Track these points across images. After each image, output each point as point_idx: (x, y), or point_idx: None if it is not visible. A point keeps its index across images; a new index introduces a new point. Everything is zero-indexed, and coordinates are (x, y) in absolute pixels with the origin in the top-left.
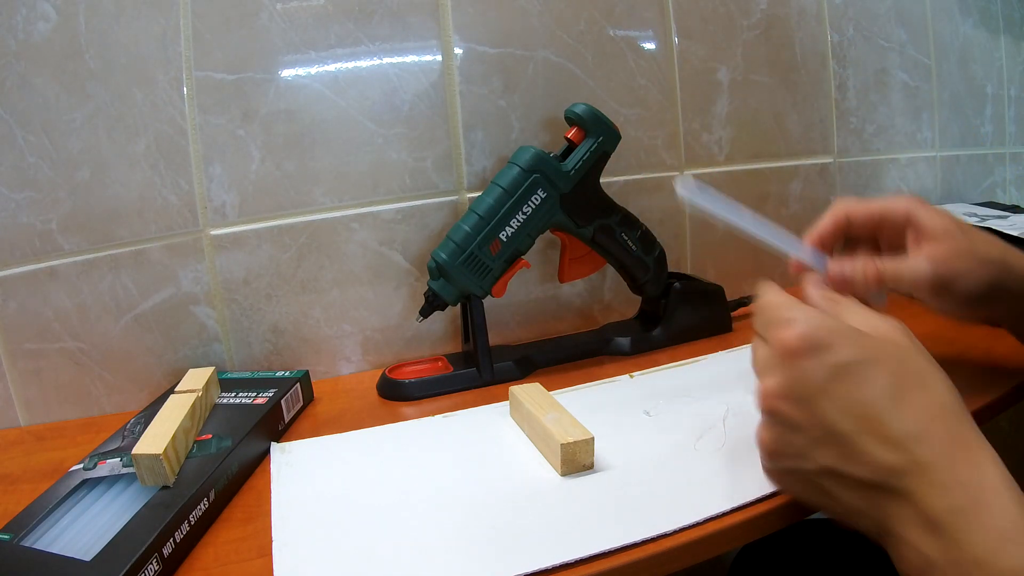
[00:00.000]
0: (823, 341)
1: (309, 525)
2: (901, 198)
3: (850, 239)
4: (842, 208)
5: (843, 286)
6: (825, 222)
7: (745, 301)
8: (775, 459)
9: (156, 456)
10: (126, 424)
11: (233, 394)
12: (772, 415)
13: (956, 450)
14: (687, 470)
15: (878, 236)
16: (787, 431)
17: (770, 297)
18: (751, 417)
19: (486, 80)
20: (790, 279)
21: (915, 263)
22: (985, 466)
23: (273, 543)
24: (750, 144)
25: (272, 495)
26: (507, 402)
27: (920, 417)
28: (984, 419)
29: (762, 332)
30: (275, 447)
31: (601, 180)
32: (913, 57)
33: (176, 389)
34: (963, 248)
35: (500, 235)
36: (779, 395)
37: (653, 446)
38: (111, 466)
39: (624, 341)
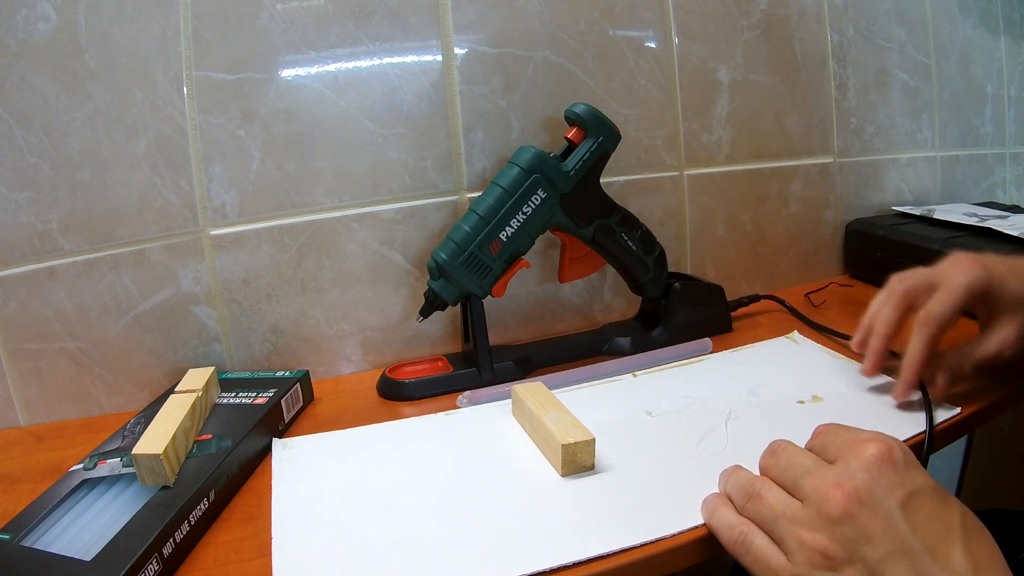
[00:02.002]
0: (911, 459)
1: (309, 522)
2: (968, 271)
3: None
4: (936, 329)
5: (948, 391)
6: (924, 354)
7: (745, 301)
8: (836, 568)
9: (156, 456)
10: (126, 424)
11: (233, 394)
12: (846, 520)
13: None
14: (688, 471)
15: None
16: (859, 540)
17: (840, 428)
18: (752, 418)
19: (486, 80)
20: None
21: (1000, 348)
22: None
23: (273, 540)
24: (750, 144)
25: (273, 491)
26: (509, 400)
27: (983, 557)
28: (984, 419)
29: (839, 443)
30: (277, 443)
31: (601, 180)
32: (913, 57)
33: (176, 389)
34: None
35: (500, 235)
36: (860, 501)
37: (654, 447)
38: (111, 466)
39: (624, 341)
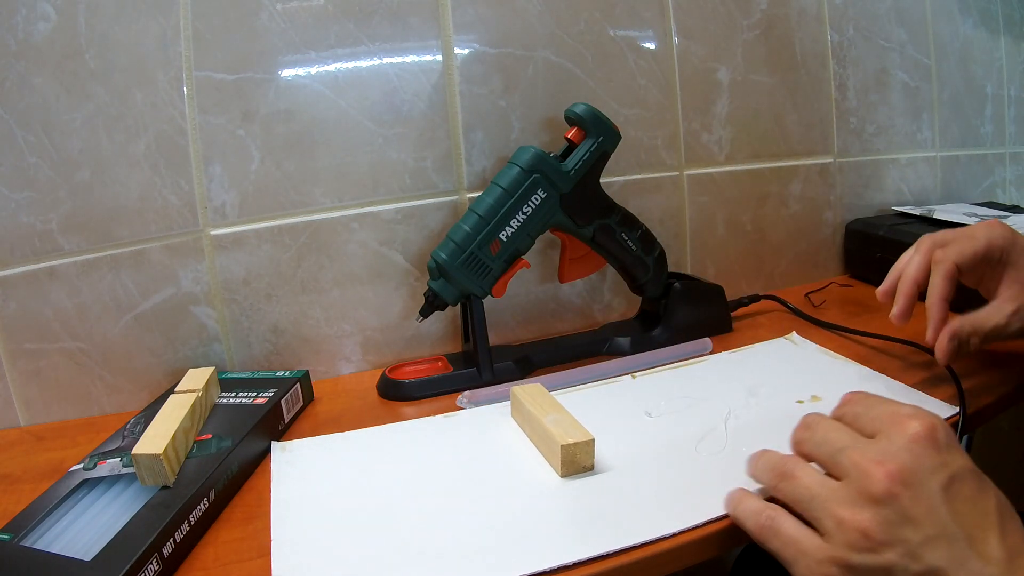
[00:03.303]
0: (952, 440)
1: (308, 524)
2: (995, 229)
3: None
4: (952, 263)
5: (951, 357)
6: (944, 286)
7: (745, 301)
8: (875, 550)
9: (156, 456)
10: (126, 424)
11: (233, 394)
12: (888, 500)
13: None
14: (688, 471)
15: (977, 271)
16: (901, 522)
17: (873, 398)
18: (751, 418)
19: (486, 80)
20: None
21: (1009, 320)
22: None
23: (272, 542)
24: (750, 144)
25: (272, 494)
26: (508, 402)
27: (1016, 543)
28: (984, 419)
29: (877, 417)
30: (275, 446)
31: (601, 180)
32: (913, 57)
33: (176, 389)
34: None
35: (500, 235)
36: (904, 481)
37: (654, 447)
38: (111, 466)
39: (624, 341)
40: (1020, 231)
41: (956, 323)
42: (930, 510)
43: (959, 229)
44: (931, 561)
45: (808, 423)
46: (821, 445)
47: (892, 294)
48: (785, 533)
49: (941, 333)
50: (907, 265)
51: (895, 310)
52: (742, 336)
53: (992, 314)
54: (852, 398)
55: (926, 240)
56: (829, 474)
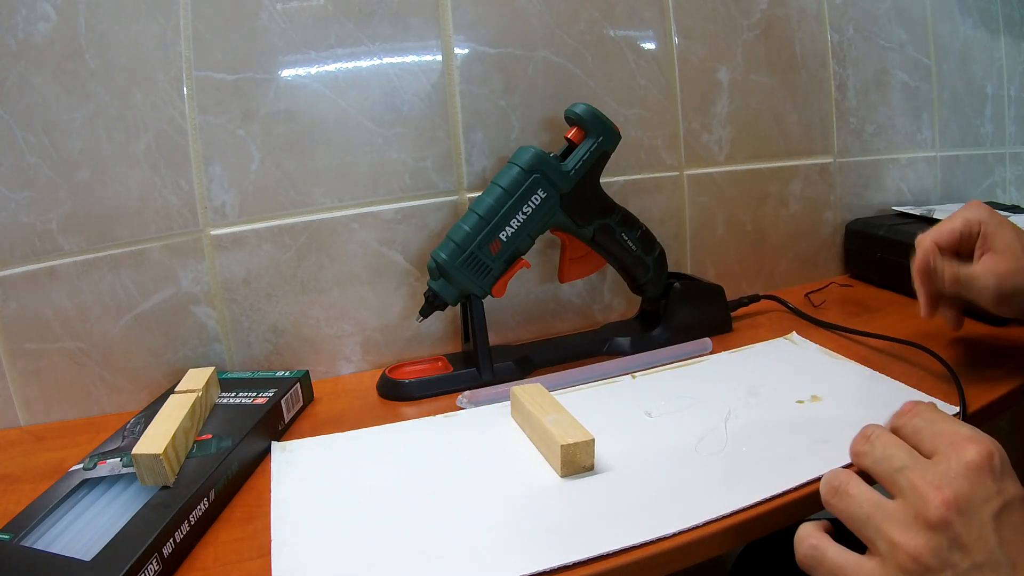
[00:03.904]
0: (1007, 467)
1: (308, 524)
2: (972, 208)
3: None
4: (929, 244)
5: (924, 275)
6: (922, 259)
7: (745, 301)
8: (923, 572)
9: (156, 456)
10: (126, 424)
11: (233, 394)
12: (942, 527)
13: None
14: (688, 471)
15: (958, 249)
16: (951, 548)
17: (933, 413)
18: (752, 418)
19: (486, 80)
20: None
21: (983, 276)
22: None
23: (272, 542)
24: (750, 144)
25: (272, 494)
26: (508, 402)
27: None
28: (985, 419)
29: (938, 434)
30: (275, 446)
31: (601, 180)
32: (913, 57)
33: (176, 389)
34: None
35: (500, 235)
36: (959, 508)
37: (654, 447)
38: (111, 466)
39: (624, 341)
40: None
41: (940, 258)
42: (980, 538)
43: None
44: None
45: (868, 435)
46: (881, 462)
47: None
48: (830, 561)
49: (924, 249)
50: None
51: (921, 308)
52: (742, 336)
53: (971, 266)
54: (912, 410)
55: (919, 235)
56: (885, 490)
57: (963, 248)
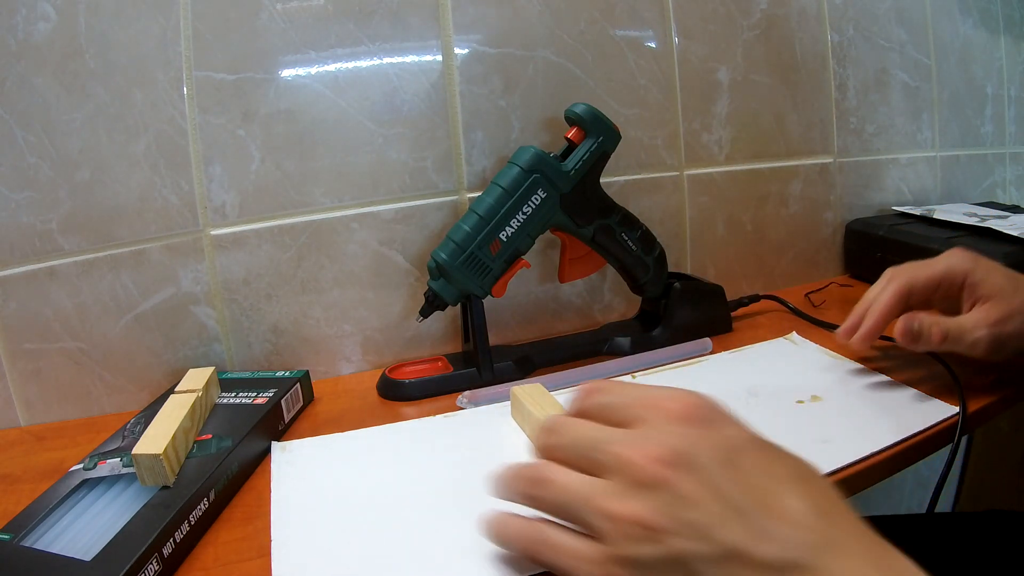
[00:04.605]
0: (721, 414)
1: (308, 525)
2: (955, 256)
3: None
4: (904, 281)
5: (910, 340)
6: (889, 300)
7: (745, 301)
8: (659, 539)
9: (156, 456)
10: (126, 424)
11: (233, 394)
12: (661, 485)
13: (865, 532)
14: None
15: (933, 297)
16: (681, 506)
17: (619, 387)
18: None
19: (486, 80)
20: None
21: (975, 329)
22: (896, 554)
23: (272, 543)
24: (750, 144)
25: (272, 494)
26: (508, 402)
27: (822, 500)
28: (984, 419)
29: (630, 405)
30: (275, 446)
31: (601, 180)
32: (913, 57)
33: (176, 389)
34: (1016, 308)
35: (500, 235)
36: (673, 463)
37: None
38: (111, 466)
39: (624, 341)
40: (1019, 231)
41: (924, 317)
42: (711, 488)
43: (925, 260)
44: (725, 540)
45: (551, 427)
46: (571, 448)
47: (853, 332)
48: (557, 544)
49: (902, 321)
50: (874, 302)
51: (856, 339)
52: (742, 336)
53: (959, 319)
54: (593, 387)
55: (889, 272)
56: (588, 475)
57: (939, 296)
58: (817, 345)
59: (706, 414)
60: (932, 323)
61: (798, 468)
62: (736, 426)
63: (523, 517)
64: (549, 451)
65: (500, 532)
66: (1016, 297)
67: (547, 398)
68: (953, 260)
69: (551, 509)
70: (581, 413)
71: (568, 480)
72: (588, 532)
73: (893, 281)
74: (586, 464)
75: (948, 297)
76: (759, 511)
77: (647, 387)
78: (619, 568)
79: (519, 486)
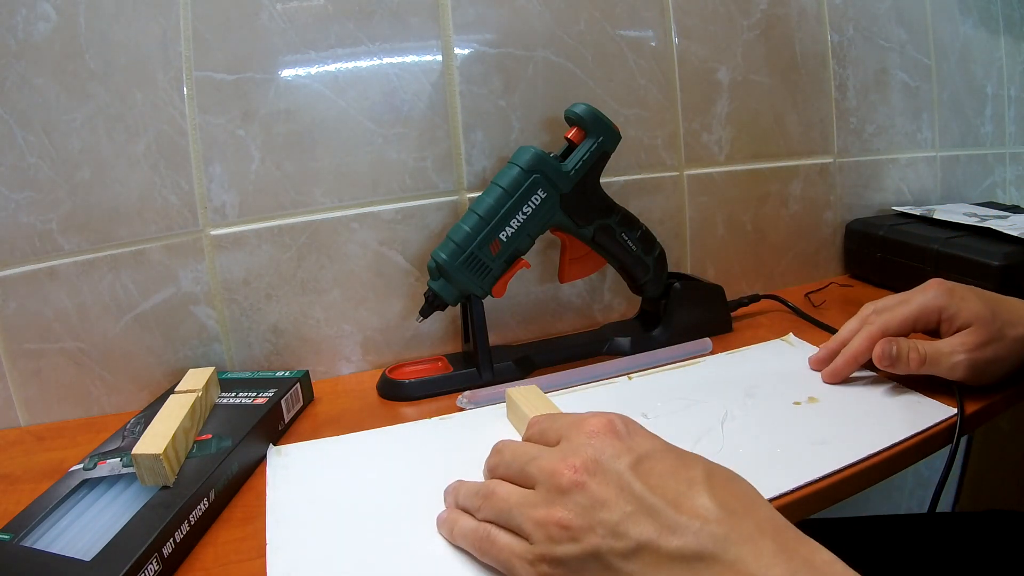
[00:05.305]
0: (634, 428)
1: (303, 529)
2: (930, 292)
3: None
4: (878, 328)
5: (888, 364)
6: (861, 345)
7: (745, 301)
8: (576, 538)
9: (156, 456)
10: (126, 424)
11: (233, 394)
12: (577, 489)
13: (782, 528)
14: None
15: (910, 334)
16: (593, 506)
17: (557, 415)
18: (748, 419)
19: (486, 80)
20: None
21: (951, 353)
22: (815, 546)
23: (267, 547)
24: (750, 144)
25: (267, 499)
26: (504, 404)
27: (735, 499)
28: (984, 419)
29: (560, 427)
30: (271, 450)
31: (601, 180)
32: (913, 57)
33: (176, 389)
34: (994, 335)
35: (500, 235)
36: (589, 470)
37: None
38: (111, 466)
39: (624, 341)
40: (1019, 231)
41: (902, 341)
42: (621, 489)
43: (902, 294)
44: (636, 535)
45: (498, 449)
46: (511, 464)
47: (828, 362)
48: (499, 543)
49: (881, 344)
50: (851, 340)
51: (827, 372)
52: (742, 336)
53: (939, 343)
54: (536, 420)
55: (868, 308)
56: (525, 488)
57: (918, 331)
58: (814, 347)
59: (620, 428)
60: (910, 347)
61: (710, 472)
62: (650, 438)
63: (474, 518)
64: (494, 468)
65: (453, 528)
66: (994, 324)
67: (542, 400)
68: (928, 296)
69: (492, 517)
70: (525, 439)
71: (507, 492)
72: (521, 535)
73: (868, 326)
74: (522, 478)
75: (927, 331)
76: (669, 508)
77: (575, 413)
78: (547, 566)
79: (469, 501)
